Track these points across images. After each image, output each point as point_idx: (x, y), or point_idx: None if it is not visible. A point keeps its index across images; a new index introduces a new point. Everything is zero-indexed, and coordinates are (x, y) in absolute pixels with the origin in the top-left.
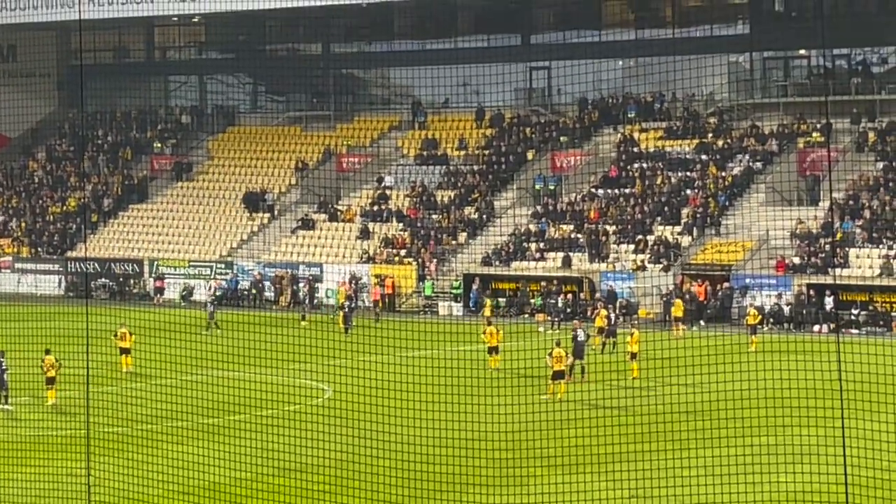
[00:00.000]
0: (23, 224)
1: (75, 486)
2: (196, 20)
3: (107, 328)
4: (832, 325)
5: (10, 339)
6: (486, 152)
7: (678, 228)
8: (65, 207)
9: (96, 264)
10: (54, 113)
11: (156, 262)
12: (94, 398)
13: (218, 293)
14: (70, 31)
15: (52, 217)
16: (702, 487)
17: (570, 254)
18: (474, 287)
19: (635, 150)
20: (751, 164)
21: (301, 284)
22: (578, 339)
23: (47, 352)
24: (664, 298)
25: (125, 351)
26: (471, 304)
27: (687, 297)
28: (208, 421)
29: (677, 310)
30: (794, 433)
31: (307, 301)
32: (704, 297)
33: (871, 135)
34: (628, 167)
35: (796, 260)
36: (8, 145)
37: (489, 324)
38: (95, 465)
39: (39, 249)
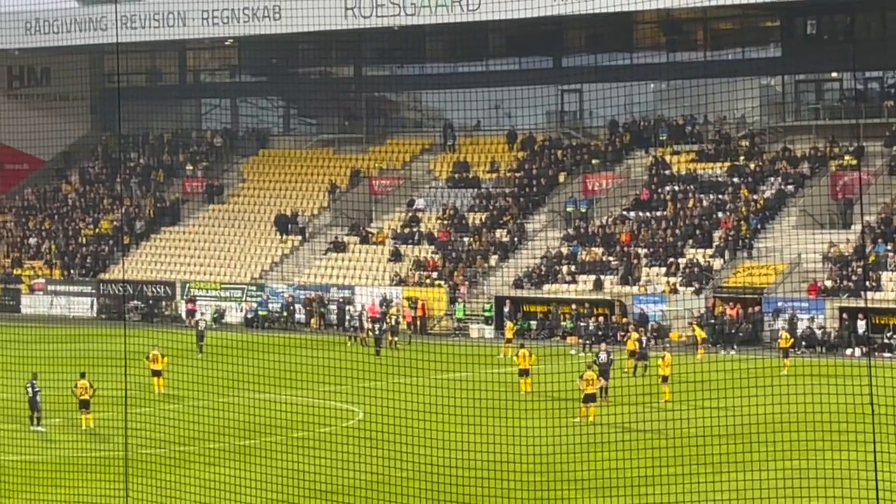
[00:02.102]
0: (56, 246)
1: None
2: (229, 43)
3: (139, 350)
4: (864, 349)
5: (42, 360)
6: (518, 175)
7: (710, 251)
8: (97, 230)
9: (129, 286)
10: (87, 136)
11: (188, 285)
12: (130, 420)
13: (213, 316)
14: (103, 54)
15: (84, 239)
16: None
17: (602, 276)
18: (505, 309)
19: (667, 172)
20: (783, 186)
21: (332, 307)
22: (600, 360)
23: (82, 375)
24: (697, 322)
25: (157, 373)
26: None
27: (719, 320)
28: (241, 443)
29: (699, 332)
30: (825, 457)
31: (347, 324)
32: (736, 320)
33: None
34: (660, 190)
35: (828, 283)
36: (41, 168)
37: (521, 346)
38: (131, 487)
39: (72, 272)
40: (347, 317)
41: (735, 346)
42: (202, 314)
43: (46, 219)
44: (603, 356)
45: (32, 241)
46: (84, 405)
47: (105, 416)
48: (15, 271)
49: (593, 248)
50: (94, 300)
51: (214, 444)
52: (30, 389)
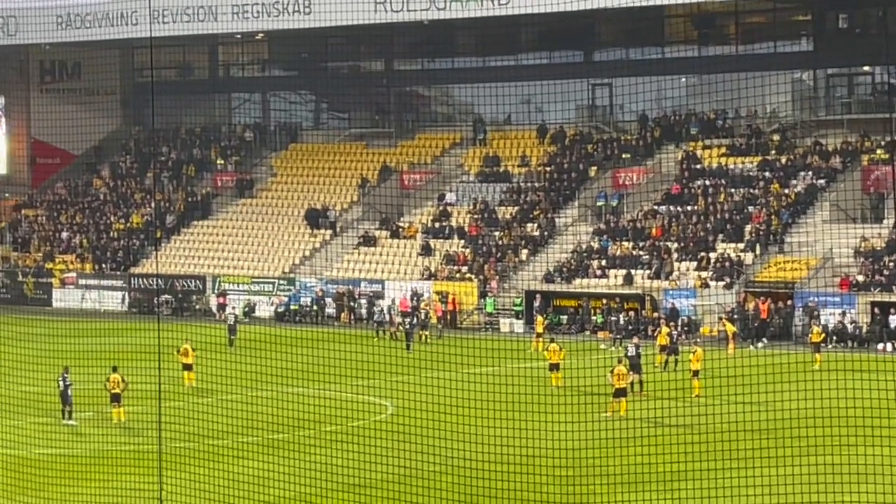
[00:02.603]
0: (87, 240)
1: (139, 502)
2: (259, 38)
3: (170, 344)
4: None
5: (74, 354)
6: (548, 169)
7: (741, 245)
8: (129, 224)
9: (160, 281)
10: (118, 130)
11: (218, 279)
12: (156, 413)
13: (243, 310)
14: (134, 48)
15: (115, 233)
16: None
17: (633, 271)
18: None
19: (698, 167)
20: (814, 181)
21: (363, 301)
22: (629, 353)
23: (114, 369)
24: (728, 316)
25: (188, 367)
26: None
27: (749, 314)
28: (272, 436)
29: (730, 327)
30: (857, 452)
31: (373, 318)
32: (767, 315)
33: None
34: (691, 184)
35: (860, 278)
36: (73, 162)
37: (551, 340)
38: (164, 480)
39: (103, 266)
40: (376, 310)
41: (766, 341)
42: (233, 308)
43: (78, 213)
44: (632, 350)
45: (64, 235)
46: (115, 399)
47: (136, 410)
48: (47, 265)
49: (624, 243)
50: (126, 294)
51: (246, 437)
52: (61, 383)
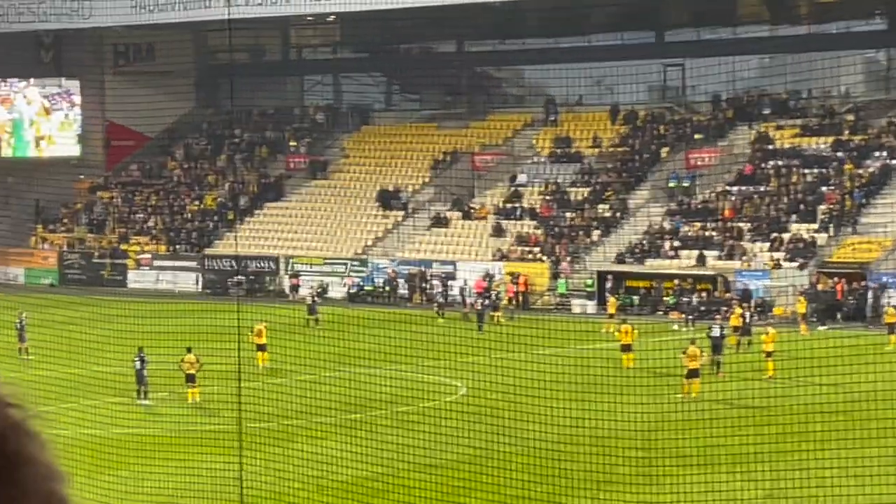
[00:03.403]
0: (161, 222)
1: (218, 481)
2: (331, 20)
3: (243, 325)
4: None
5: (149, 335)
6: (620, 150)
7: (814, 226)
8: (202, 205)
9: (233, 262)
10: (191, 112)
11: (291, 260)
12: (233, 394)
13: (316, 291)
14: (207, 31)
15: (189, 215)
16: (839, 488)
17: (705, 252)
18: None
19: (770, 147)
20: (888, 161)
21: (436, 282)
22: (712, 333)
23: (188, 350)
24: (801, 296)
25: (261, 347)
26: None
27: (823, 295)
28: (345, 417)
29: (801, 307)
30: None
31: (442, 298)
32: (841, 296)
33: None
34: (763, 164)
35: None
36: (147, 144)
37: (623, 321)
38: (239, 460)
39: (177, 247)
40: (437, 291)
41: (839, 322)
42: (311, 288)
43: (152, 195)
44: (716, 330)
45: (138, 216)
46: (190, 379)
47: (210, 391)
48: (122, 247)
49: (696, 223)
50: (199, 275)
51: (320, 418)
52: (137, 363)
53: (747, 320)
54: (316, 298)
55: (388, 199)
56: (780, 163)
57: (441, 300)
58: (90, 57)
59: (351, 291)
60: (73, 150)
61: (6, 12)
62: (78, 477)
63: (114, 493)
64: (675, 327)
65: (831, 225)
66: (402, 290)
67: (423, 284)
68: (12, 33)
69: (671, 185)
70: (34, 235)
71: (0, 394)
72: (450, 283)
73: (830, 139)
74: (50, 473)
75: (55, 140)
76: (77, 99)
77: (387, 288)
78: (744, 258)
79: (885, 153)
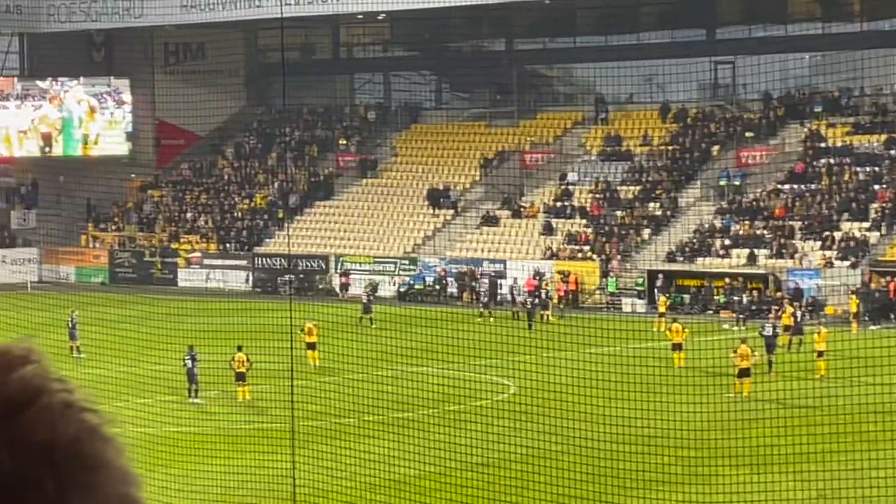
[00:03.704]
0: (211, 220)
1: (269, 479)
2: (381, 18)
3: (294, 323)
4: None
5: (199, 333)
6: (671, 148)
7: (866, 224)
8: (252, 204)
9: (283, 260)
10: (242, 111)
11: (341, 259)
12: (284, 392)
13: (366, 290)
14: (257, 29)
15: (239, 214)
16: (892, 489)
17: (756, 250)
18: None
19: (822, 145)
20: None
21: (484, 280)
22: (765, 332)
23: (239, 348)
24: (853, 295)
25: (311, 346)
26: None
27: (875, 294)
28: (395, 415)
29: (853, 306)
30: None
31: (488, 298)
32: (893, 294)
33: None
34: (815, 163)
35: None
36: (197, 143)
37: (673, 320)
38: (292, 458)
39: (227, 246)
40: (482, 290)
41: (892, 321)
42: (366, 287)
43: (202, 193)
44: (769, 329)
45: (189, 215)
46: (240, 378)
47: (261, 389)
48: (172, 245)
49: (747, 222)
50: (249, 274)
51: (371, 416)
52: (188, 362)
53: (799, 319)
54: (371, 297)
55: (437, 198)
56: (831, 161)
57: (484, 300)
58: (141, 56)
59: (401, 290)
60: (120, 149)
61: (57, 12)
62: None
63: (168, 491)
64: (726, 326)
65: (883, 223)
66: (452, 289)
67: (473, 283)
68: (64, 33)
69: (722, 183)
70: (85, 234)
71: (77, 398)
72: (500, 281)
73: (883, 137)
74: (125, 477)
75: (102, 139)
76: (126, 97)
77: (437, 286)
78: (795, 257)
79: None
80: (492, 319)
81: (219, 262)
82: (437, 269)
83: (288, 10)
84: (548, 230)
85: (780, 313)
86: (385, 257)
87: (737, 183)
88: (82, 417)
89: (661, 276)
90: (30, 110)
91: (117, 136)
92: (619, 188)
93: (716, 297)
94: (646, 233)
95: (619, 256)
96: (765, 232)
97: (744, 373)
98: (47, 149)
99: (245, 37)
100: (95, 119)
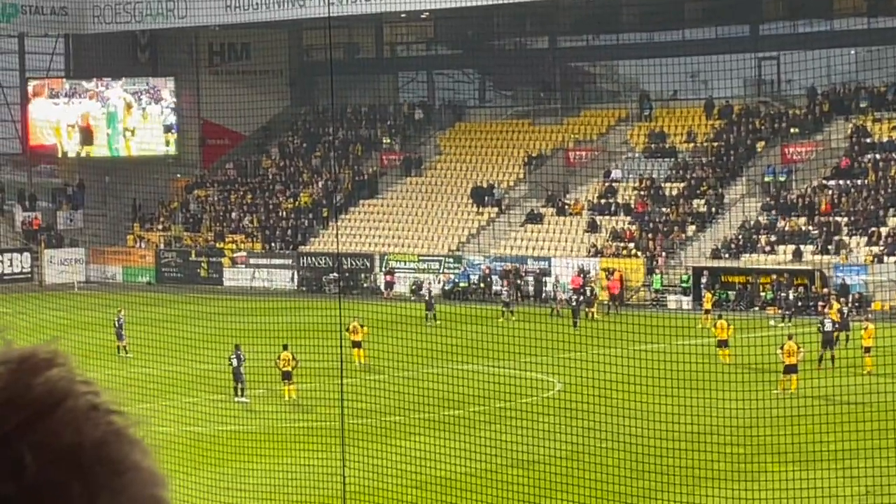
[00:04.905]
0: (256, 220)
1: (318, 477)
2: (424, 16)
3: (341, 322)
4: None
5: (245, 333)
6: (715, 144)
7: None
8: (297, 203)
9: (328, 259)
10: (286, 110)
11: (386, 257)
12: (331, 391)
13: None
14: (301, 29)
15: (284, 213)
16: None
17: (801, 246)
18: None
19: (868, 140)
20: None
21: (529, 278)
22: (825, 328)
23: (284, 347)
24: None
25: (357, 344)
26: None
27: None
28: (441, 413)
29: None
30: None
31: (510, 298)
32: None
33: None
34: (861, 158)
35: None
36: (242, 143)
37: (719, 317)
38: (342, 456)
39: (272, 245)
40: (512, 287)
41: None
42: (427, 286)
43: (247, 193)
44: (828, 324)
45: (234, 214)
46: (286, 376)
47: (307, 387)
48: (217, 245)
49: (792, 218)
50: (295, 273)
51: (418, 414)
52: (234, 360)
53: (845, 315)
54: (432, 295)
55: (482, 196)
56: (877, 156)
57: (506, 300)
58: (186, 56)
59: (446, 288)
60: (158, 143)
61: (103, 13)
62: (179, 474)
63: (215, 490)
64: (772, 323)
65: None
66: (497, 287)
67: (518, 281)
68: (109, 33)
69: (767, 179)
70: (131, 234)
71: (103, 400)
72: (544, 279)
73: None
74: (152, 479)
75: (139, 132)
76: (165, 94)
77: (482, 284)
78: (841, 252)
79: None
80: (514, 318)
81: (264, 261)
82: (482, 267)
83: (332, 10)
84: (592, 227)
85: (826, 309)
86: (430, 255)
87: (782, 179)
88: (108, 420)
89: (706, 272)
90: (76, 107)
91: (155, 130)
92: (663, 185)
93: (761, 294)
94: (691, 229)
95: (664, 253)
96: (810, 228)
97: (790, 369)
98: (88, 145)
99: (289, 36)
100: (132, 114)
